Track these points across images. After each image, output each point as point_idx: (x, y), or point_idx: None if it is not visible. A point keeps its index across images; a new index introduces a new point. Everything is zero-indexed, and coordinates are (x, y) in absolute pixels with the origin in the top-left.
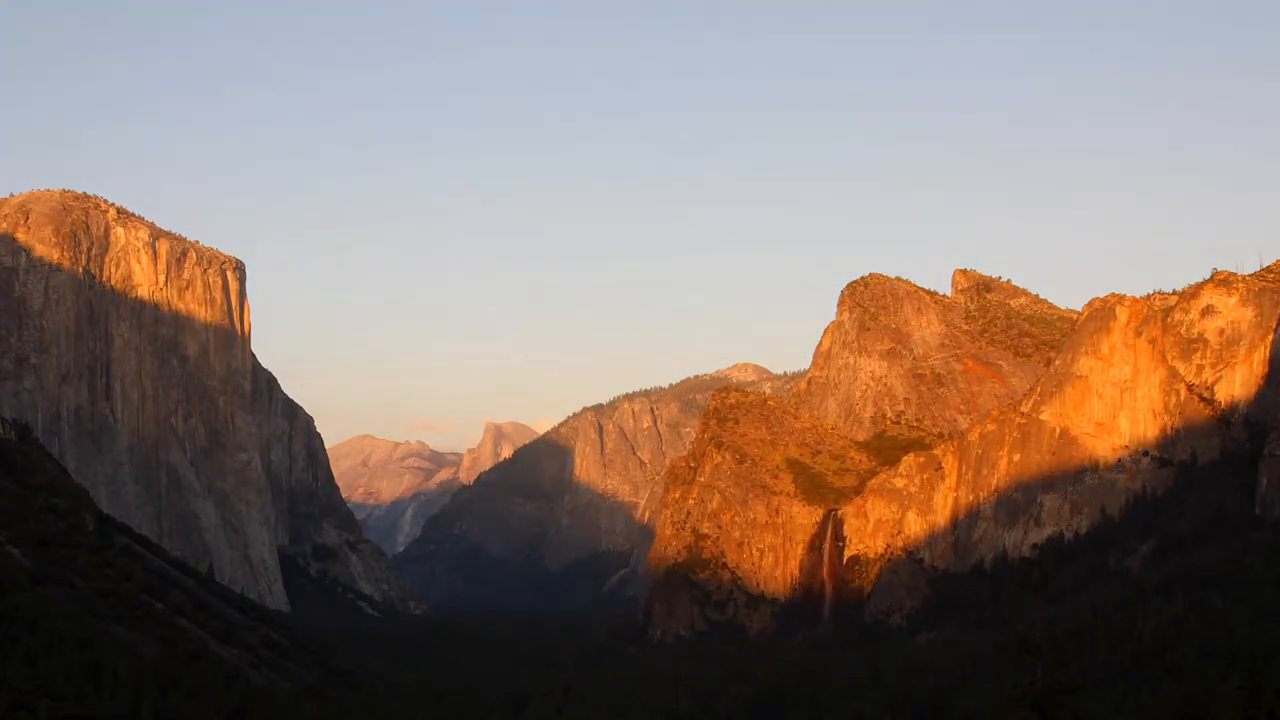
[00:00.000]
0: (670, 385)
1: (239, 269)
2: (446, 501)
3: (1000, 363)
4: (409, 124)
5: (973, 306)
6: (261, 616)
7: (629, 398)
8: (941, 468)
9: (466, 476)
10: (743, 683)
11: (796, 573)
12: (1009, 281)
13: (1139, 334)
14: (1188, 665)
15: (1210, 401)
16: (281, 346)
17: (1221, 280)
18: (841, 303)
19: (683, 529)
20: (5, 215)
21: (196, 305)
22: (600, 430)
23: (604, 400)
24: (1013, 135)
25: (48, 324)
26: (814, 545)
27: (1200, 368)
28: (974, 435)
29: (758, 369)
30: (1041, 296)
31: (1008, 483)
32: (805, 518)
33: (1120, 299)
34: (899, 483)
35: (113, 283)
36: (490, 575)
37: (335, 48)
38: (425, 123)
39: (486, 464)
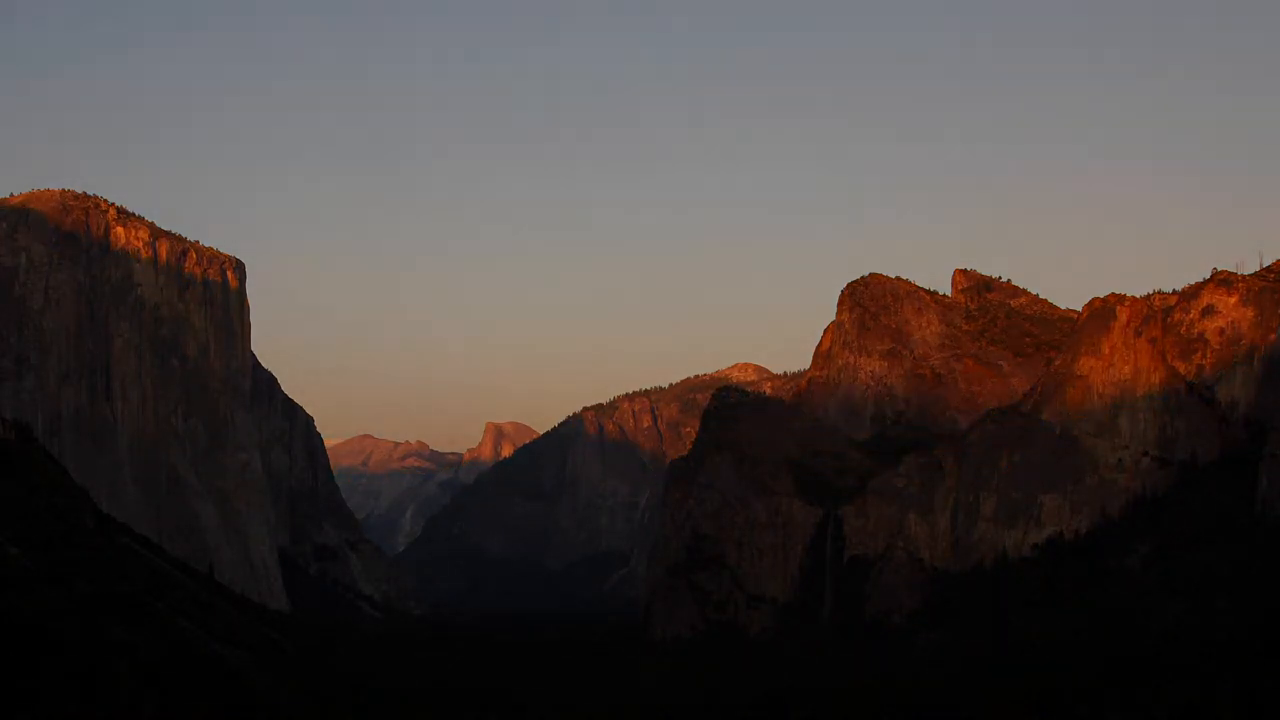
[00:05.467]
0: (670, 385)
1: (239, 269)
2: (446, 501)
3: (1000, 363)
4: (409, 124)
5: (973, 306)
6: (261, 616)
7: (629, 398)
8: (941, 468)
9: (466, 476)
10: (743, 683)
11: (796, 573)
12: (1009, 281)
13: (1139, 334)
14: (1188, 665)
15: (1210, 401)
16: (281, 346)
17: (1221, 280)
18: (841, 303)
19: (683, 529)
20: (5, 215)
21: (196, 305)
22: (600, 430)
23: (604, 400)
24: (1013, 135)
25: (48, 324)
26: (814, 545)
27: (1200, 368)
28: (974, 435)
29: (758, 369)
30: (1041, 296)
31: (1008, 483)
32: (805, 518)
33: (1120, 299)
34: (899, 483)
35: (113, 283)
36: (490, 575)
37: (336, 49)
38: (425, 123)
39: (486, 464)
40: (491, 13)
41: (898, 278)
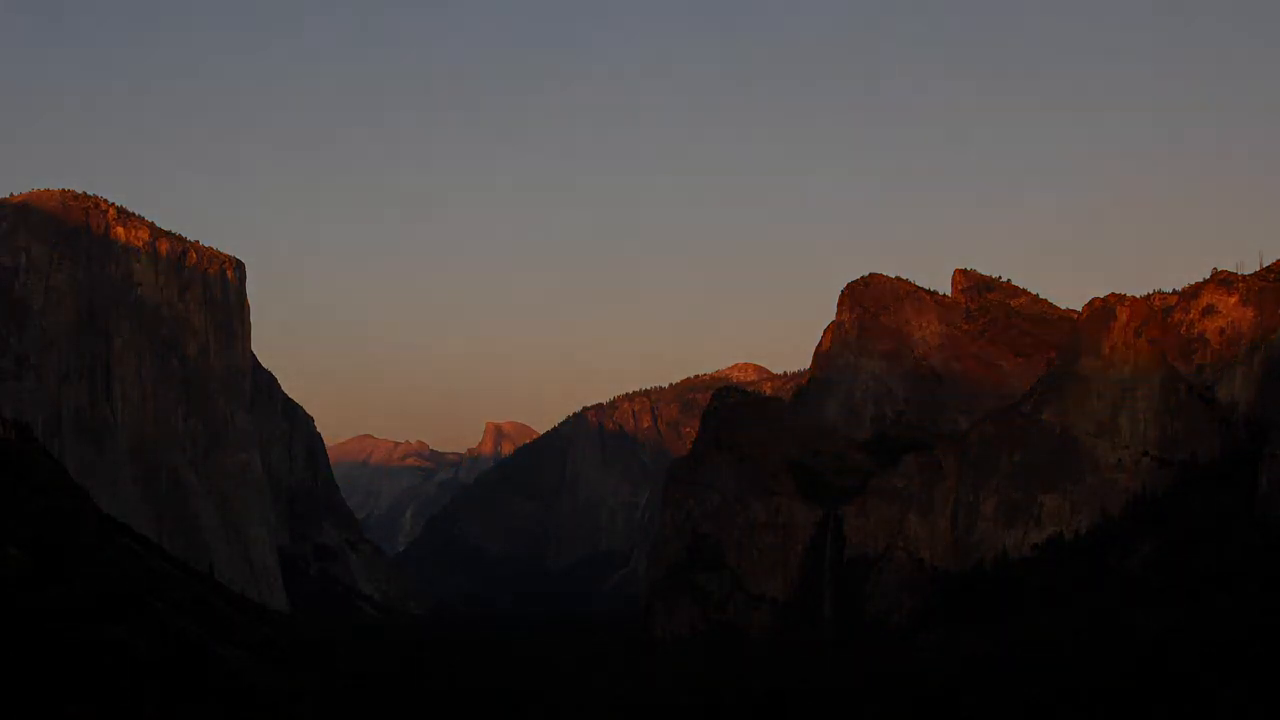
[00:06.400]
0: (670, 385)
1: (239, 269)
2: (446, 501)
3: (1000, 363)
4: (409, 124)
5: (973, 306)
6: (261, 616)
7: (629, 398)
8: (941, 468)
9: (466, 476)
10: (743, 683)
11: (796, 573)
12: (1009, 281)
13: (1139, 334)
14: (1188, 666)
15: (1210, 401)
16: (281, 346)
17: (1221, 280)
18: (841, 303)
19: (683, 529)
20: (5, 215)
21: (196, 305)
22: (600, 430)
23: (604, 400)
24: (1013, 134)
25: (48, 324)
26: (814, 545)
27: (1200, 368)
28: (974, 435)
29: (758, 369)
30: (1041, 296)
31: (1008, 483)
32: (805, 518)
33: (1120, 299)
34: (899, 483)
35: (113, 283)
36: (490, 575)
37: (336, 47)
38: (425, 122)
39: (486, 464)
40: (494, 12)
41: (898, 278)
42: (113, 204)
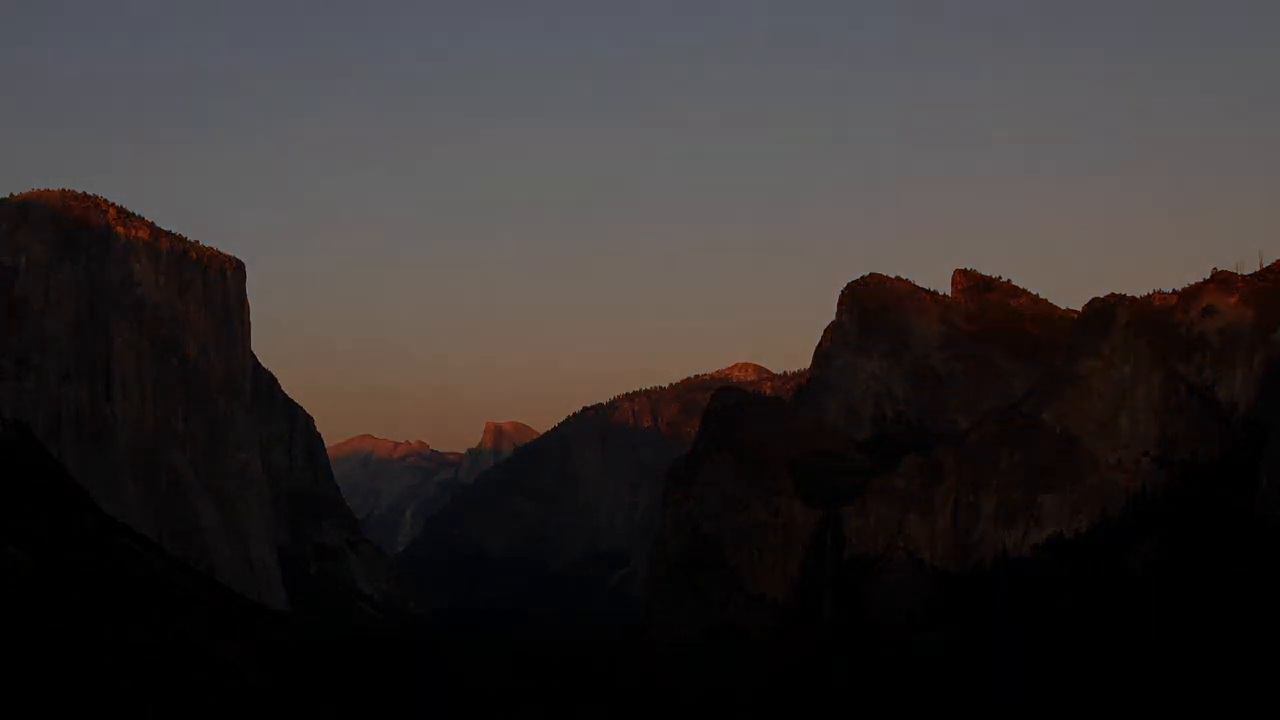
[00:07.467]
0: (670, 385)
1: (239, 269)
2: (446, 501)
3: (1000, 363)
4: (408, 124)
5: (973, 306)
6: (261, 616)
7: (629, 398)
8: (941, 468)
9: (466, 476)
10: (743, 683)
11: (796, 573)
12: (1009, 281)
13: (1139, 334)
14: (1188, 665)
15: (1210, 401)
16: (281, 346)
17: (1221, 280)
18: (841, 303)
19: (683, 529)
20: (5, 215)
21: (196, 305)
22: (600, 430)
23: (604, 400)
24: (1013, 135)
25: (48, 324)
26: (814, 545)
27: (1200, 368)
28: (974, 435)
29: (758, 369)
30: (1041, 296)
31: (1008, 483)
32: (805, 518)
33: (1120, 299)
34: (899, 483)
35: (113, 283)
36: (490, 575)
37: (336, 48)
38: (425, 122)
39: (486, 464)
40: (488, 10)
41: (898, 278)
42: (113, 204)
